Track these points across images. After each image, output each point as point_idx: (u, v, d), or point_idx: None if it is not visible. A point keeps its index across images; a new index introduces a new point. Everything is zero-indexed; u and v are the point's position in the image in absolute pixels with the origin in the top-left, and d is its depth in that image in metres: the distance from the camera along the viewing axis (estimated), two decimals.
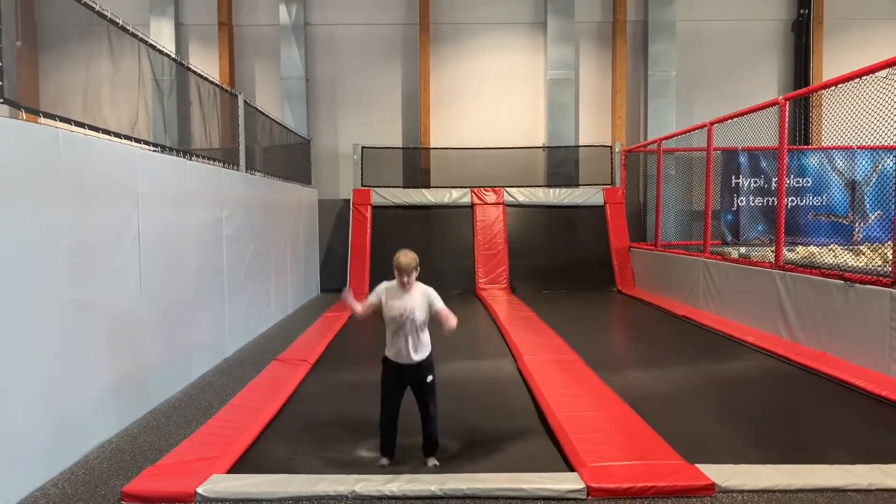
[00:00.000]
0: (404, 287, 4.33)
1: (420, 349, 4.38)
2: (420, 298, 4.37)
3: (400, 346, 4.35)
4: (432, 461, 4.40)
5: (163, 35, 13.42)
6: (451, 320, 4.41)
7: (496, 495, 3.69)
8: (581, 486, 3.71)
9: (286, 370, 6.39)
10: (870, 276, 6.28)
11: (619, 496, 3.68)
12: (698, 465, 3.92)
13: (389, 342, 4.42)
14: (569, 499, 3.66)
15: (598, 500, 3.66)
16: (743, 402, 5.54)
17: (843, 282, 6.50)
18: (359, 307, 4.42)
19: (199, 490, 3.66)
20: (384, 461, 4.40)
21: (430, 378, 4.43)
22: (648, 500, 3.65)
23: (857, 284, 6.31)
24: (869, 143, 7.26)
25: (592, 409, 5.02)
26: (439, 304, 4.42)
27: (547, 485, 3.73)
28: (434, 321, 4.41)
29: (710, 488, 3.70)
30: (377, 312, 4.44)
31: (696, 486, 3.71)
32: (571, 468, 4.01)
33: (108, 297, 4.78)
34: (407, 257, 4.29)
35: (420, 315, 4.33)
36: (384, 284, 4.47)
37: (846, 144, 10.06)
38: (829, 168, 10.70)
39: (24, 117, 4.09)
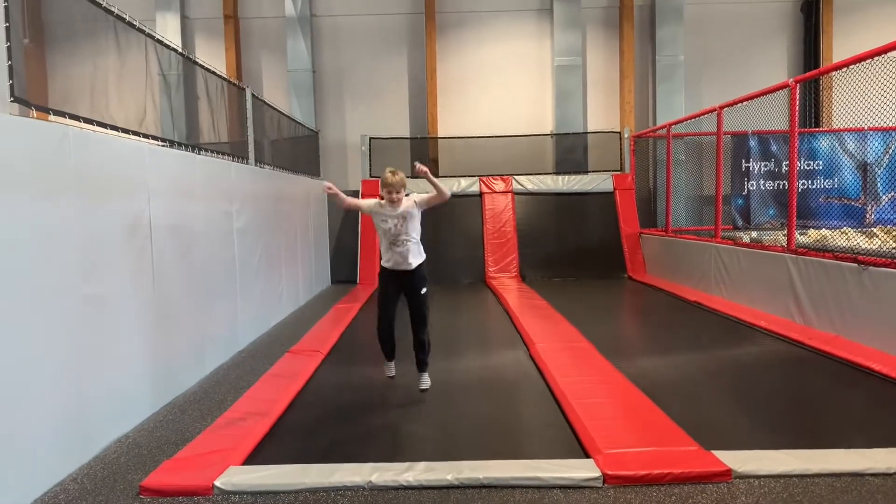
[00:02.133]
0: (393, 204, 4.67)
1: (415, 256, 4.96)
2: (408, 208, 4.91)
3: (397, 256, 4.93)
4: (425, 381, 5.10)
5: (169, 29, 13.43)
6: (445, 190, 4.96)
7: (512, 484, 3.69)
8: (597, 473, 3.71)
9: (299, 361, 6.41)
10: (883, 259, 6.23)
11: (635, 483, 3.67)
12: (714, 452, 3.91)
13: (385, 254, 5.05)
14: (585, 486, 3.66)
15: (615, 488, 3.66)
16: (757, 387, 5.52)
17: (856, 265, 6.45)
18: (343, 196, 5.10)
19: (217, 483, 3.68)
20: (390, 369, 5.23)
21: (424, 290, 5.06)
22: (664, 487, 3.65)
23: (871, 267, 6.27)
24: (881, 124, 7.17)
25: (606, 396, 5.02)
26: (425, 196, 4.98)
27: (563, 473, 3.73)
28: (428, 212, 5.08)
29: (727, 474, 3.69)
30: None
31: (712, 472, 3.70)
32: (587, 455, 4.01)
33: (122, 291, 4.80)
34: (395, 176, 4.73)
35: (412, 224, 4.93)
36: (376, 200, 5.03)
37: (857, 126, 9.97)
38: (841, 150, 10.60)
39: (35, 115, 4.10)
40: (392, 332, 5.17)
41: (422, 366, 5.22)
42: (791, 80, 7.84)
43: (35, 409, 3.77)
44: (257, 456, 4.17)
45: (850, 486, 3.58)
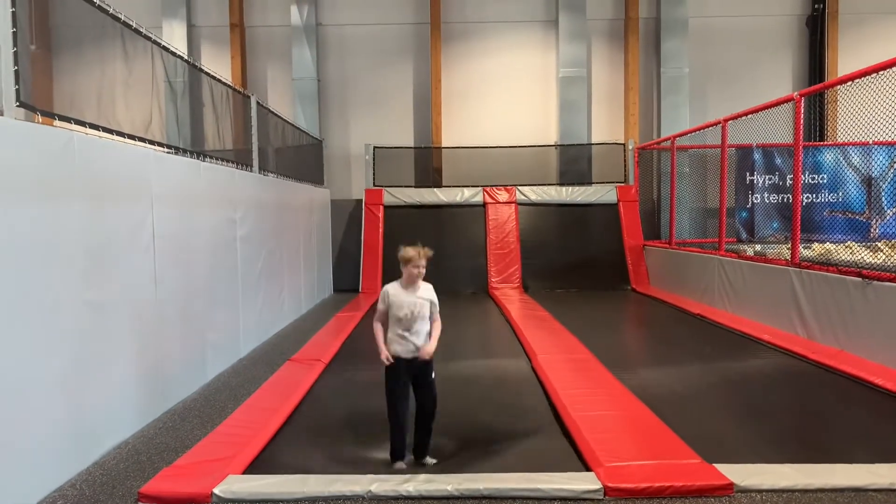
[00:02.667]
0: (414, 282, 4.42)
1: (426, 342, 4.50)
2: (425, 295, 4.49)
3: (408, 344, 4.42)
4: (430, 459, 4.45)
5: (175, 37, 13.49)
6: (436, 333, 4.51)
7: (513, 495, 3.67)
8: (598, 486, 3.68)
9: (300, 370, 6.40)
10: (887, 273, 6.21)
11: (636, 496, 3.65)
12: (716, 465, 3.89)
13: (394, 338, 4.45)
14: (586, 499, 3.64)
15: (615, 500, 3.63)
16: (760, 400, 5.49)
17: (860, 279, 6.43)
18: (380, 331, 4.54)
19: (216, 490, 3.66)
20: (403, 465, 4.39)
21: (433, 375, 4.55)
22: (666, 500, 3.62)
23: (875, 281, 6.25)
24: (886, 138, 7.16)
25: (608, 409, 4.99)
26: (436, 310, 4.53)
27: (563, 485, 3.71)
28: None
29: (729, 488, 3.67)
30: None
31: (714, 485, 3.68)
32: (588, 468, 3.99)
33: (124, 298, 4.80)
34: (419, 251, 4.42)
35: (425, 313, 4.48)
36: (387, 287, 4.54)
37: (862, 140, 9.96)
38: (845, 164, 10.60)
39: (40, 120, 4.11)
40: (407, 425, 4.55)
41: (426, 449, 4.58)
42: (796, 93, 7.84)
43: (35, 414, 3.76)
44: (257, 464, 4.15)
45: (853, 502, 3.55)
